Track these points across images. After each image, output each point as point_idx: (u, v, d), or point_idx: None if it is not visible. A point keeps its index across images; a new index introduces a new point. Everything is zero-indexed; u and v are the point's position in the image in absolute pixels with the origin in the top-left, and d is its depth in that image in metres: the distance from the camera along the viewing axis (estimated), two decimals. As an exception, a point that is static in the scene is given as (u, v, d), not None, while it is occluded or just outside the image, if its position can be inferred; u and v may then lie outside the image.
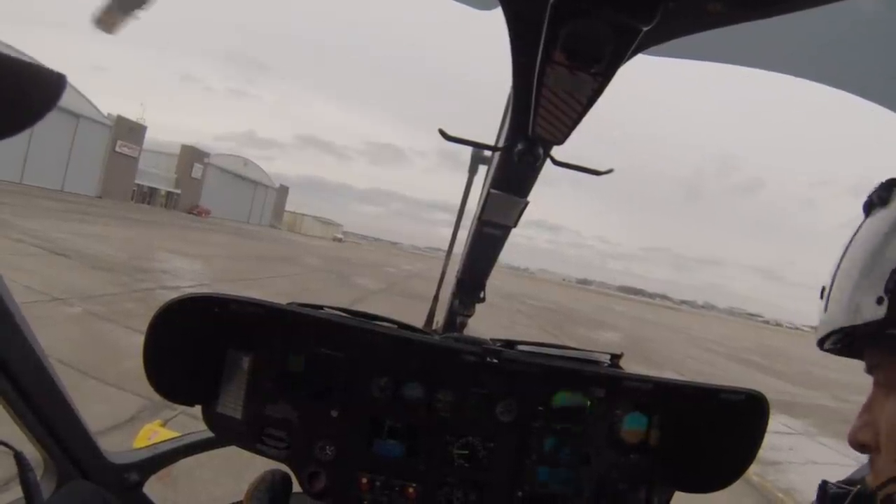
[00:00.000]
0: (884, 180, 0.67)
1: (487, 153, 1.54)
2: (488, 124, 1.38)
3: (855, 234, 0.68)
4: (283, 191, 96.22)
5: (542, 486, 1.53)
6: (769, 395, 1.48)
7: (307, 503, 1.48)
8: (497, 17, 0.71)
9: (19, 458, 1.07)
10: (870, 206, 0.67)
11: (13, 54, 0.43)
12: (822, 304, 0.71)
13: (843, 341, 0.67)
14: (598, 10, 0.55)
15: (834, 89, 1.01)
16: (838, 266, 0.68)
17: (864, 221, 0.68)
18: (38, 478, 1.18)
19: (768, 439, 1.48)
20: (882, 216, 0.64)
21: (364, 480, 1.48)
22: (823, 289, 0.71)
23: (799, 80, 0.99)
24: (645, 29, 0.56)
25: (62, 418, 1.22)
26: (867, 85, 0.99)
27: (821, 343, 0.72)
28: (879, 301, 0.58)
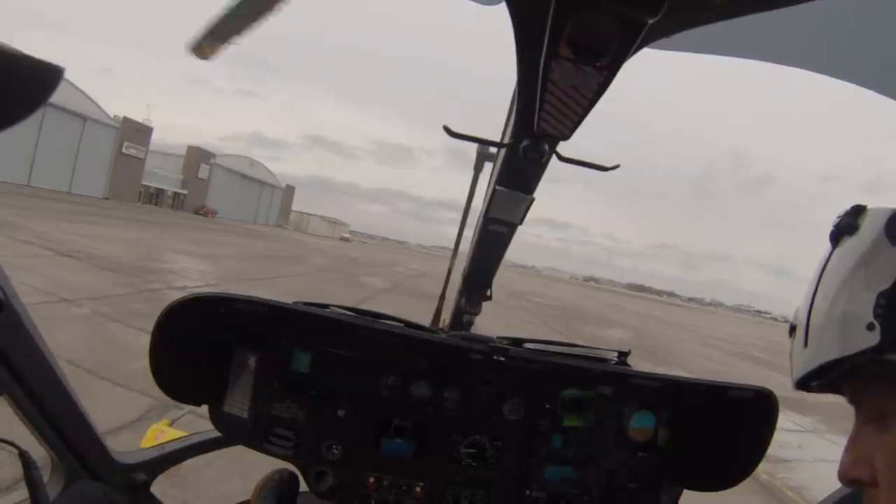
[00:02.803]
0: (848, 208, 0.65)
1: (493, 150, 1.53)
2: (495, 121, 1.38)
3: (825, 264, 0.66)
4: (289, 191, 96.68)
5: (550, 486, 1.52)
6: (777, 392, 1.47)
7: (314, 502, 1.48)
8: (501, 12, 0.70)
9: (24, 457, 1.07)
10: (838, 235, 0.65)
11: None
12: (796, 341, 0.68)
13: (831, 374, 0.63)
14: (603, 3, 0.54)
15: (844, 82, 1.00)
16: (812, 300, 0.65)
17: (832, 251, 0.65)
18: (46, 478, 1.18)
19: (777, 436, 1.47)
20: (853, 243, 0.63)
21: (371, 479, 1.47)
22: (794, 326, 0.69)
23: (809, 73, 0.98)
24: (651, 22, 0.55)
25: (69, 418, 1.22)
26: (878, 77, 0.97)
27: (804, 380, 0.66)
28: (870, 327, 0.56)
